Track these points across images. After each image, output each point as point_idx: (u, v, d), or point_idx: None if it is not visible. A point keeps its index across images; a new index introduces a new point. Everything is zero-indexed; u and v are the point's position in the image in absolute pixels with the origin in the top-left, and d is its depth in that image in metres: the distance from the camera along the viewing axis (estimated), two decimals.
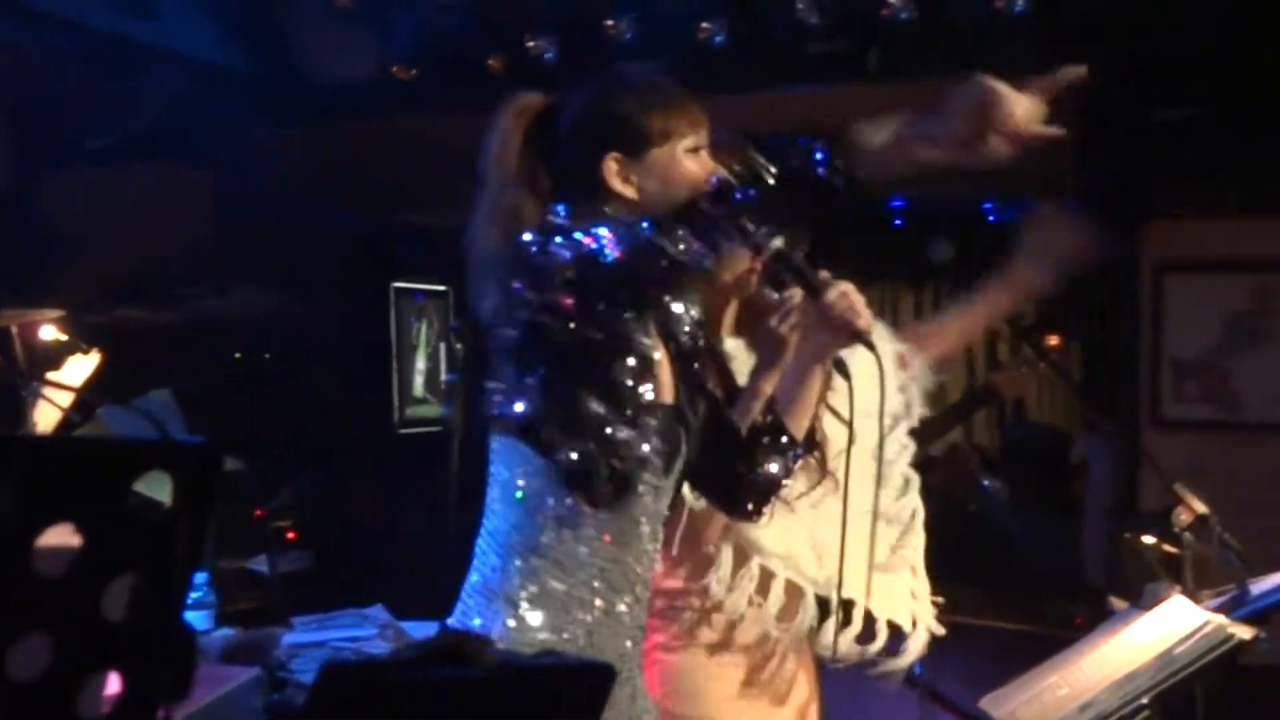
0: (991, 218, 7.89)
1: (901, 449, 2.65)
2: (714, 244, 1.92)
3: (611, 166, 2.03)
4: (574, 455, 1.91)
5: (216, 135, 5.28)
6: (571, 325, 1.89)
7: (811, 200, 1.97)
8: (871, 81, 4.83)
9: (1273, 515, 4.00)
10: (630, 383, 1.95)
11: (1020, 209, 8.20)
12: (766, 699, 2.50)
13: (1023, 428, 7.83)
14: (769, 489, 2.19)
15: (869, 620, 2.50)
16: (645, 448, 1.96)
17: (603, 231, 1.90)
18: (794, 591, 2.46)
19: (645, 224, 1.93)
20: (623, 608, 2.01)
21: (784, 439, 2.16)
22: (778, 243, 2.09)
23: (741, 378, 2.26)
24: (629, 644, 2.04)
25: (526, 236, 1.95)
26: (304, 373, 6.28)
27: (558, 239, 1.91)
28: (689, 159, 2.05)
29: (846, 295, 2.09)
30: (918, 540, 2.64)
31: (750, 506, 2.20)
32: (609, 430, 1.92)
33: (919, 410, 2.74)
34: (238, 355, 6.48)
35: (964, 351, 8.55)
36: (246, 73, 5.32)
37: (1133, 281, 5.01)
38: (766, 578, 2.45)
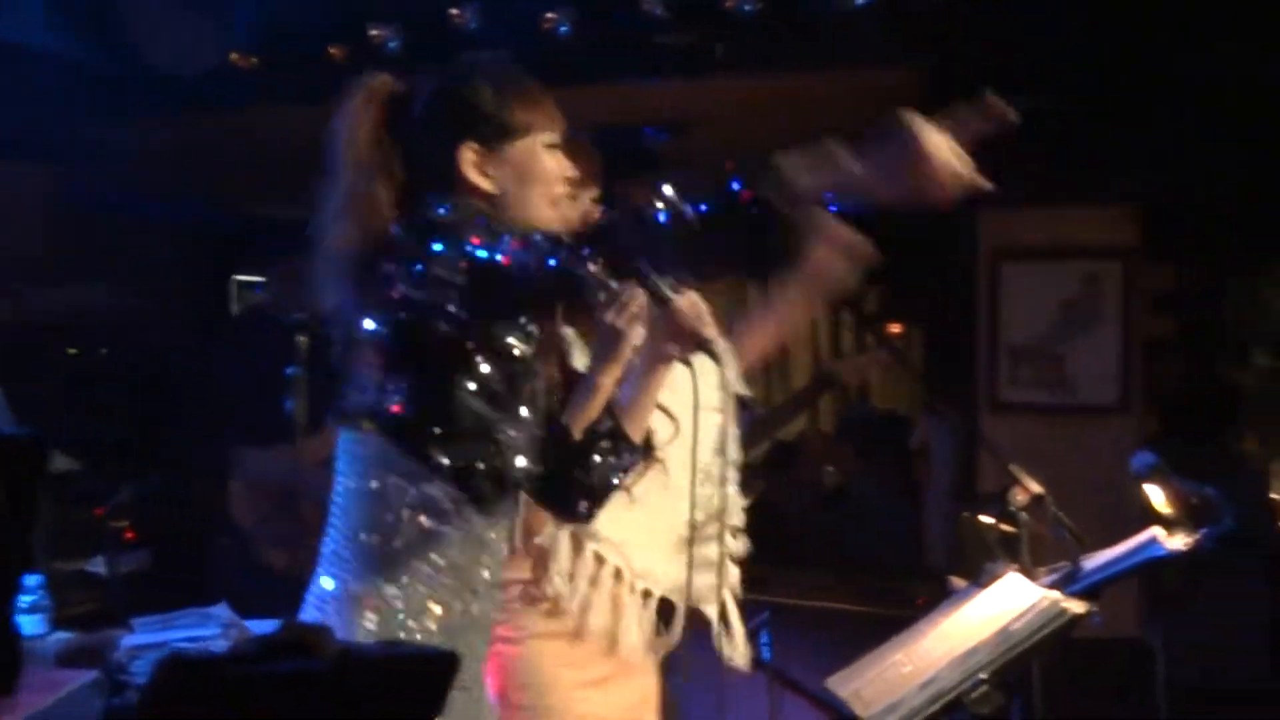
0: (833, 208, 8.00)
1: (727, 442, 2.67)
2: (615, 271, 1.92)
3: (468, 157, 1.99)
4: (455, 456, 1.89)
5: (52, 128, 5.11)
6: (458, 327, 1.87)
7: (745, 232, 1.98)
8: (718, 74, 4.86)
9: (1104, 494, 4.13)
10: (511, 384, 1.94)
11: (863, 203, 8.34)
12: (611, 685, 2.51)
13: (864, 413, 7.97)
14: (604, 492, 2.18)
15: (671, 610, 2.53)
16: (521, 452, 1.95)
17: (530, 241, 1.88)
18: (623, 578, 2.48)
19: (554, 244, 1.91)
20: (476, 608, 2.00)
21: (623, 442, 2.16)
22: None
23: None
24: (481, 644, 2.03)
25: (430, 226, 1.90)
26: (143, 369, 6.12)
27: (499, 239, 1.88)
28: (547, 155, 2.03)
29: (695, 304, 2.11)
30: (734, 532, 2.67)
31: (583, 508, 2.18)
32: (490, 430, 1.91)
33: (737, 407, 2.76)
34: (72, 351, 6.29)
35: (810, 339, 8.73)
36: (84, 64, 5.16)
37: (970, 269, 5.13)
38: (600, 564, 2.46)
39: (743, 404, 2.55)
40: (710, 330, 2.11)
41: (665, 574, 2.54)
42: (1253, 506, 4.73)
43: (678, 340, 2.11)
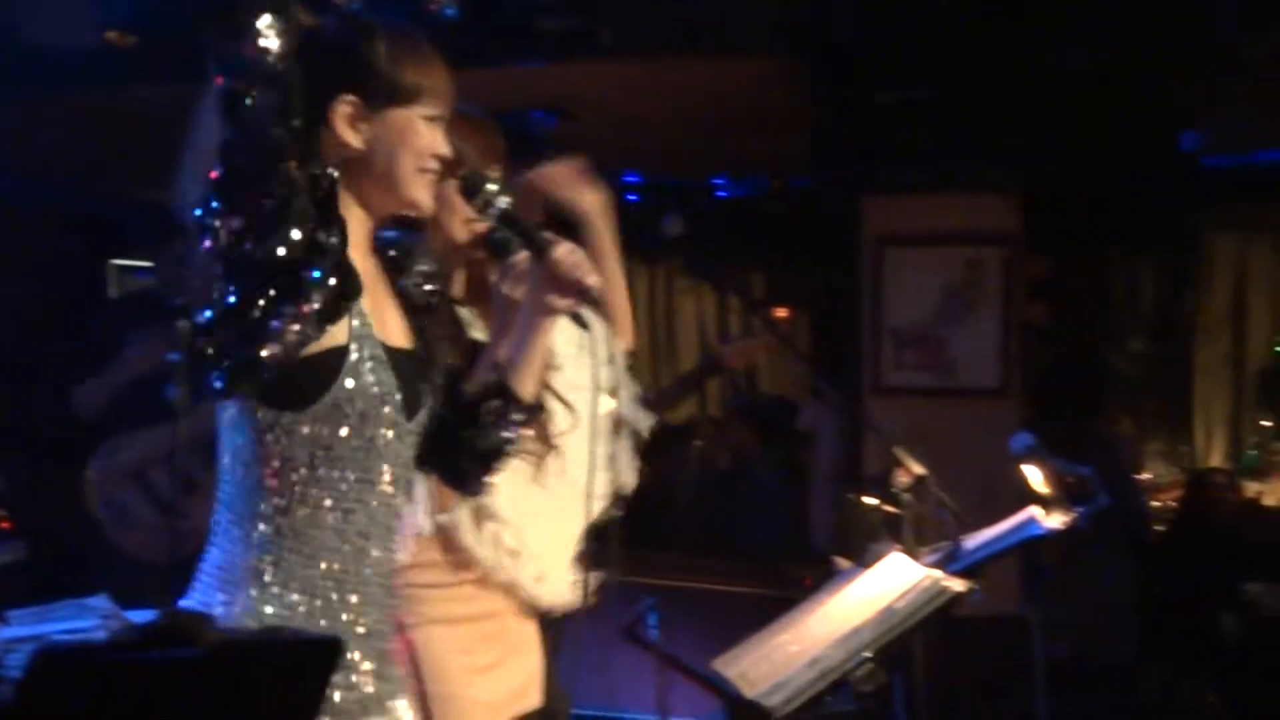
0: (723, 194, 8.08)
1: (618, 419, 2.68)
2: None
3: (343, 109, 1.91)
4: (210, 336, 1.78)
5: None
6: (261, 241, 1.78)
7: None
8: (604, 59, 4.86)
9: (985, 475, 4.21)
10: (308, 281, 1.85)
11: (752, 185, 8.43)
12: (500, 670, 2.51)
13: (751, 397, 8.04)
14: (496, 455, 2.15)
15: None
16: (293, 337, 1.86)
17: None
18: (518, 556, 2.48)
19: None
20: (376, 554, 1.96)
21: (512, 402, 2.13)
22: (503, 202, 2.09)
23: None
24: (382, 594, 1.99)
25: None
26: (15, 355, 5.97)
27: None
28: (425, 127, 2.00)
29: (574, 252, 2.08)
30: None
31: (478, 473, 2.16)
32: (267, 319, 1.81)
33: (631, 385, 2.77)
34: None
35: (697, 323, 8.77)
36: None
37: (855, 254, 5.19)
38: (499, 542, 2.46)
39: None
40: (592, 279, 2.08)
41: (559, 556, 2.54)
42: (1124, 487, 4.86)
43: (559, 290, 2.08)
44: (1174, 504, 6.38)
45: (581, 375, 2.44)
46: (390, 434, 1.96)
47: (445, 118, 2.01)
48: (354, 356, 1.91)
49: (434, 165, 1.99)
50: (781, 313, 7.78)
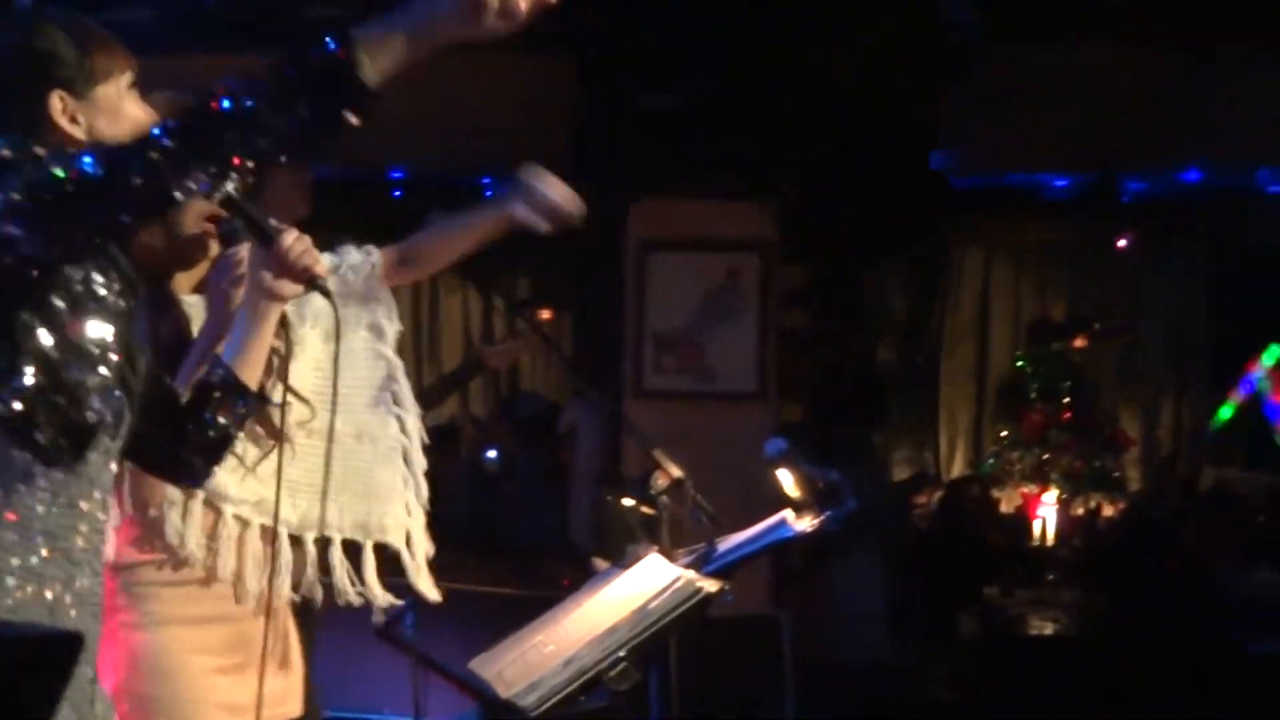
0: (489, 193, 8.04)
1: (386, 413, 2.66)
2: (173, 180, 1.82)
3: (56, 105, 1.93)
4: (17, 397, 1.78)
5: None
6: (19, 258, 1.75)
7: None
8: None
9: (741, 478, 4.30)
10: (84, 322, 1.83)
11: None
12: (247, 672, 2.44)
13: (515, 397, 8.04)
14: (221, 444, 2.12)
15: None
16: (98, 399, 1.84)
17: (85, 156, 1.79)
18: (269, 538, 2.42)
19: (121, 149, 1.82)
20: (79, 583, 1.89)
21: (235, 392, 2.11)
22: (229, 187, 2.00)
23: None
24: (91, 622, 1.92)
25: None
26: None
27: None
28: (130, 97, 1.99)
29: (303, 240, 2.09)
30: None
31: (200, 464, 2.12)
32: (60, 371, 1.79)
33: (404, 382, 2.75)
34: None
35: (462, 323, 8.73)
36: None
37: (619, 258, 5.24)
38: (244, 526, 2.40)
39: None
40: (320, 266, 2.10)
41: (310, 518, 2.49)
42: (875, 492, 5.03)
43: (288, 276, 2.09)
44: (927, 509, 6.64)
45: (322, 362, 2.40)
46: (98, 459, 1.91)
47: (137, 82, 2.00)
48: None
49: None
50: (546, 314, 7.80)
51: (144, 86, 2.07)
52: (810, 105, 5.02)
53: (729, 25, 4.80)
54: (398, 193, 7.48)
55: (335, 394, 2.22)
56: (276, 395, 2.28)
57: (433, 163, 7.43)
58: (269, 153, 1.85)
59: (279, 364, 2.27)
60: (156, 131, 1.80)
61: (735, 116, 4.96)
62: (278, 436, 2.31)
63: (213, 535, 2.38)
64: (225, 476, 2.33)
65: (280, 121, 1.83)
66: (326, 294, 2.11)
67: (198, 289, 2.43)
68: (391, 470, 2.58)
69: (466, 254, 2.82)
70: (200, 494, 2.35)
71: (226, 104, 1.80)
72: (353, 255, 2.59)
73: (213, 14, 4.63)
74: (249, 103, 1.81)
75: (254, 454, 2.34)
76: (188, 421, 2.08)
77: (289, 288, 2.11)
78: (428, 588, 2.64)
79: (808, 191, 5.15)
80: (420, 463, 2.60)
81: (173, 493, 2.35)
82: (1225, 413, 8.14)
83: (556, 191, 2.59)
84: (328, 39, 1.88)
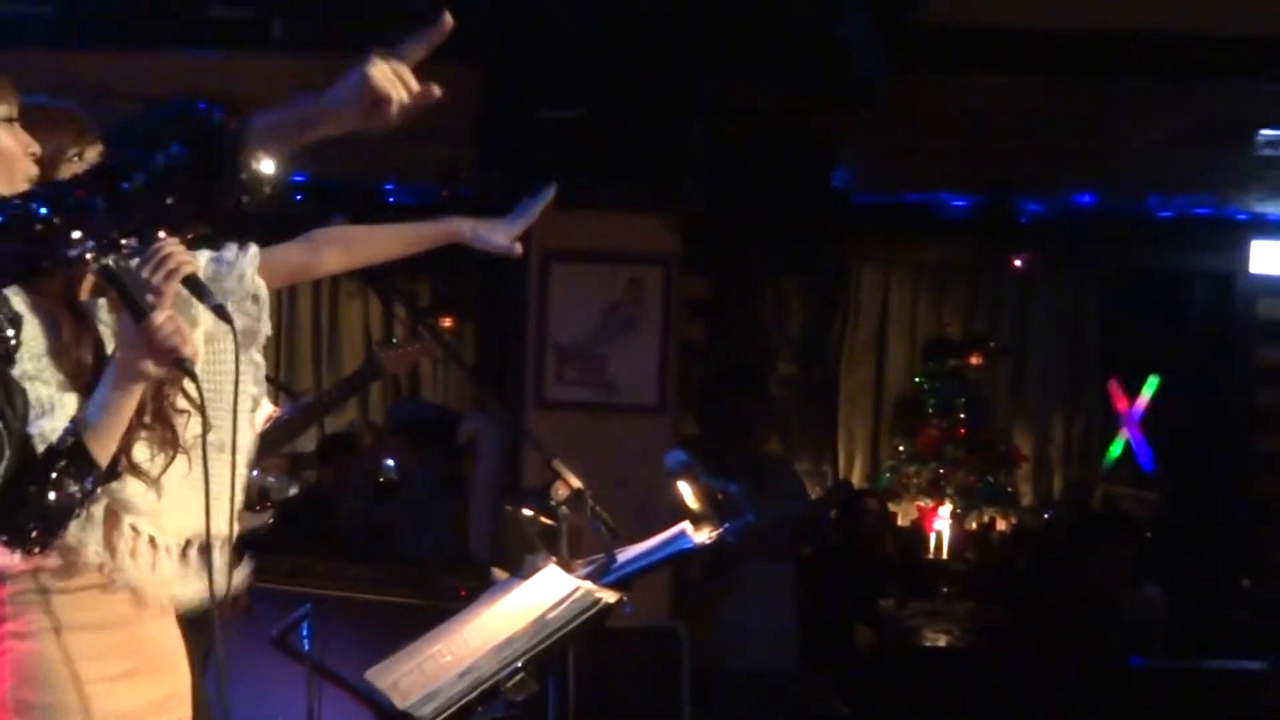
0: (391, 199, 8.00)
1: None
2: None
3: None
4: None
5: None
6: None
7: (204, 191, 1.87)
8: (273, 52, 4.75)
9: (640, 489, 4.32)
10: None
11: (422, 192, 8.38)
12: (138, 679, 2.40)
13: (412, 405, 7.99)
14: (58, 517, 2.06)
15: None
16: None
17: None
18: (156, 546, 2.39)
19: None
20: None
21: (85, 463, 2.05)
22: (107, 260, 2.02)
23: None
24: None
25: None
26: None
27: None
28: (5, 131, 1.92)
29: (174, 320, 2.06)
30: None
31: (34, 533, 2.05)
32: None
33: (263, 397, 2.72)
34: None
35: (363, 330, 8.66)
36: None
37: (522, 268, 5.23)
38: (136, 535, 2.37)
39: (289, 391, 2.51)
40: (188, 348, 2.07)
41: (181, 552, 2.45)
42: (790, 505, 5.08)
43: (152, 357, 2.05)
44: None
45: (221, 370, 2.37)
46: None
47: (17, 115, 1.94)
48: None
49: (29, 166, 1.92)
50: (447, 322, 7.77)
51: (44, 83, 2.02)
52: (714, 120, 5.05)
53: (631, 39, 4.82)
54: (298, 196, 7.41)
55: (236, 412, 2.18)
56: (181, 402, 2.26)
57: (335, 168, 7.37)
58: (144, 227, 1.84)
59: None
60: (35, 204, 1.76)
61: (639, 129, 4.97)
62: (176, 446, 2.29)
63: (109, 542, 2.34)
64: (131, 486, 2.29)
65: (156, 203, 1.81)
66: (191, 375, 2.08)
67: (94, 291, 2.39)
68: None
69: (390, 257, 2.79)
70: (103, 501, 2.30)
71: (99, 190, 1.77)
72: (230, 251, 2.54)
73: (113, 10, 4.55)
74: (125, 186, 1.79)
75: (158, 464, 2.30)
76: (30, 482, 2.01)
77: (153, 368, 2.06)
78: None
79: (710, 204, 5.18)
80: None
81: None
82: (1115, 449, 8.36)
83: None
84: (216, 115, 1.88)
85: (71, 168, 2.25)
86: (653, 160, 4.95)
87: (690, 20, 4.80)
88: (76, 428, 2.05)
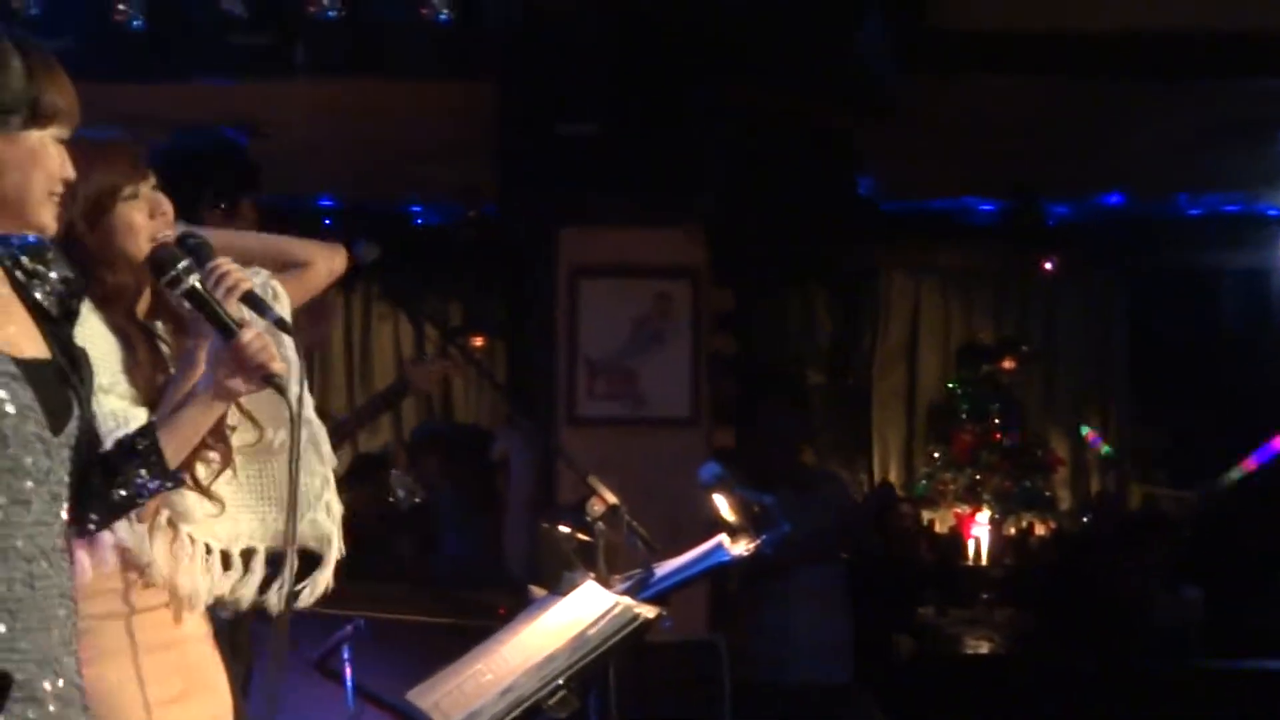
0: (419, 220, 8.04)
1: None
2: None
3: None
4: None
5: None
6: None
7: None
8: (296, 78, 4.78)
9: (674, 503, 4.30)
10: None
11: (448, 212, 8.42)
12: (189, 701, 2.41)
13: (445, 424, 8.00)
14: (119, 509, 2.08)
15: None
16: None
17: None
18: (213, 550, 2.41)
19: None
20: (39, 594, 1.84)
21: (156, 466, 2.06)
22: (193, 281, 2.11)
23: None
24: (66, 633, 1.87)
25: None
26: None
27: None
28: (56, 150, 1.90)
29: (261, 337, 2.08)
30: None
31: (92, 520, 2.05)
32: None
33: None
34: None
35: (394, 351, 8.67)
36: None
37: (550, 285, 5.23)
38: (194, 544, 2.37)
39: (322, 413, 2.51)
40: (278, 365, 2.09)
41: (252, 533, 2.47)
42: (832, 513, 5.06)
43: (243, 375, 2.07)
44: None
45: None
46: (38, 449, 1.86)
47: (69, 140, 1.94)
48: None
49: (61, 189, 1.92)
50: (478, 341, 7.78)
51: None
52: (734, 130, 5.04)
53: (648, 51, 4.82)
54: (327, 221, 7.43)
55: (296, 420, 2.17)
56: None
57: (362, 190, 7.41)
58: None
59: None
60: None
61: (658, 143, 4.97)
62: (230, 458, 2.31)
63: (172, 553, 2.36)
64: (190, 497, 2.30)
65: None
66: (282, 391, 2.10)
67: (150, 313, 2.40)
68: (309, 475, 2.53)
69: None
70: (164, 512, 2.32)
71: None
72: (261, 275, 2.56)
73: (136, 40, 4.58)
74: None
75: (206, 474, 2.32)
76: (96, 474, 2.02)
77: (243, 385, 2.09)
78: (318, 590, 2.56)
79: (735, 215, 5.17)
80: (331, 459, 2.56)
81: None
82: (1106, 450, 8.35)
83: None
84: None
85: (129, 205, 2.27)
86: (674, 173, 4.96)
87: (707, 31, 4.81)
88: (153, 430, 2.07)
